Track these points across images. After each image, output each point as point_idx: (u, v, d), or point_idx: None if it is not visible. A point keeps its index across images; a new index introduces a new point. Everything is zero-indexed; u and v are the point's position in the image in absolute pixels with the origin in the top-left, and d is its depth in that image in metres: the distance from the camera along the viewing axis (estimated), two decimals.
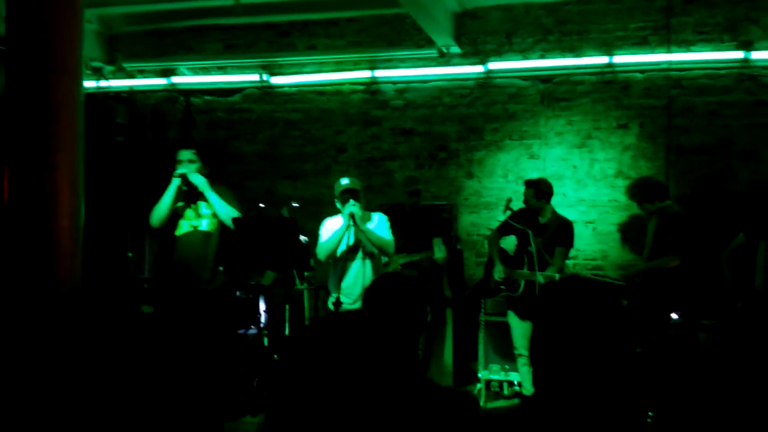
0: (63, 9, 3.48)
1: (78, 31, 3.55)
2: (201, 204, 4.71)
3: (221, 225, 4.67)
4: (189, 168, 4.63)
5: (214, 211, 4.64)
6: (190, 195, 4.69)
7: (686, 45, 5.97)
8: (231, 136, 7.08)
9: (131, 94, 7.01)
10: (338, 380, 1.40)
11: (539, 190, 5.18)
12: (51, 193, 3.19)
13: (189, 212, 4.71)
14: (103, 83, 7.03)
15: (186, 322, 4.56)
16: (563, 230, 5.20)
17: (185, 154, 4.70)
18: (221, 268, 4.81)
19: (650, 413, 3.70)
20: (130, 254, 5.97)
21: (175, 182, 4.58)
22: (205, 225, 4.69)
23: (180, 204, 4.67)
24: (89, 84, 6.77)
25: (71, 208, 3.26)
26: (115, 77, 7.13)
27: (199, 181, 4.57)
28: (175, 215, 4.67)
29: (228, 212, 4.61)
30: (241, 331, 5.42)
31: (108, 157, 6.13)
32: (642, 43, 6.08)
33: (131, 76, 7.17)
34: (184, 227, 4.70)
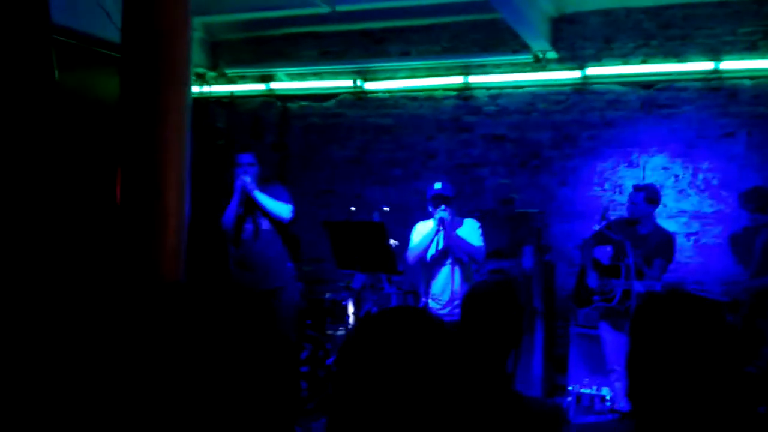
0: (175, 19, 3.66)
1: (187, 40, 3.73)
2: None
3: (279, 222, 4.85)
4: (249, 172, 4.83)
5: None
6: (247, 198, 4.88)
7: None
8: (324, 141, 7.22)
9: (231, 99, 7.29)
10: (424, 386, 1.39)
11: (650, 195, 5.04)
12: (159, 192, 3.37)
13: (251, 214, 4.89)
14: (205, 88, 7.34)
15: (259, 318, 4.73)
16: (664, 242, 5.01)
17: (245, 158, 4.90)
18: (289, 265, 4.98)
19: None
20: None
21: (239, 187, 4.81)
22: (266, 225, 4.87)
23: (243, 208, 4.87)
24: (193, 89, 7.09)
25: (178, 207, 3.43)
26: (216, 83, 7.43)
27: (244, 183, 4.74)
28: (240, 218, 4.88)
29: (276, 209, 4.79)
30: (329, 332, 5.52)
31: (209, 159, 6.40)
32: (751, 49, 5.76)
33: (232, 81, 7.45)
34: (248, 230, 4.91)
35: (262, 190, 4.90)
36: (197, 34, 7.13)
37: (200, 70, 7.32)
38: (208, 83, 7.39)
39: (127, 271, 3.26)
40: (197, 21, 6.85)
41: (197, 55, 7.19)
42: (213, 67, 7.45)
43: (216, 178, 6.36)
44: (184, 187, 3.52)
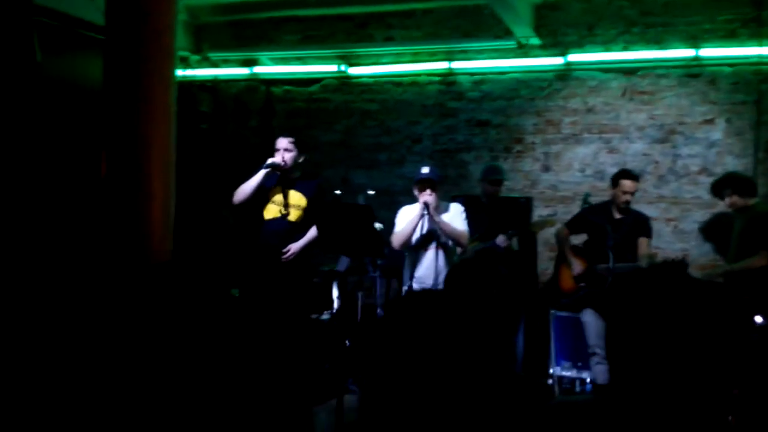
0: (159, 1, 3.65)
1: (172, 21, 3.72)
2: (291, 193, 4.81)
3: (305, 218, 4.77)
4: (285, 156, 4.72)
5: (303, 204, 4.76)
6: (283, 182, 4.81)
7: None
8: (309, 125, 7.21)
9: (215, 83, 7.24)
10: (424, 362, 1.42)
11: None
12: (145, 171, 3.37)
13: (278, 199, 4.82)
14: (188, 72, 7.29)
15: (267, 307, 4.70)
16: (641, 222, 5.15)
17: (282, 142, 4.79)
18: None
19: (729, 417, 3.59)
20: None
21: (264, 168, 4.68)
22: (291, 215, 4.80)
23: (272, 189, 4.78)
24: (176, 73, 7.02)
25: (164, 189, 3.43)
26: (200, 66, 7.37)
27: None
28: (263, 199, 4.80)
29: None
30: (314, 316, 5.54)
31: (192, 143, 6.36)
32: (731, 36, 5.84)
33: (215, 65, 7.40)
34: (271, 212, 4.83)
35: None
36: (181, 17, 7.05)
37: (183, 53, 7.26)
38: (192, 67, 7.34)
39: (116, 253, 3.26)
40: (181, 4, 6.78)
41: (180, 39, 7.11)
42: (196, 50, 7.39)
43: (201, 162, 6.34)
44: (170, 169, 3.52)
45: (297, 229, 4.78)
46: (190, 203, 5.25)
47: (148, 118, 3.43)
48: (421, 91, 6.84)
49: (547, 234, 6.22)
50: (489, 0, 5.73)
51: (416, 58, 6.81)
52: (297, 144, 4.80)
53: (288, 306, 4.67)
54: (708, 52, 5.88)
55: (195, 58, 7.35)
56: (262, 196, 4.79)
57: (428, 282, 4.73)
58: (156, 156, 3.40)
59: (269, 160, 4.70)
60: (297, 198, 4.82)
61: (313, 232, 4.80)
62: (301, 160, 4.83)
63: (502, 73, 6.55)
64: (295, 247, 4.75)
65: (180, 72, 7.17)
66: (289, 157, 4.75)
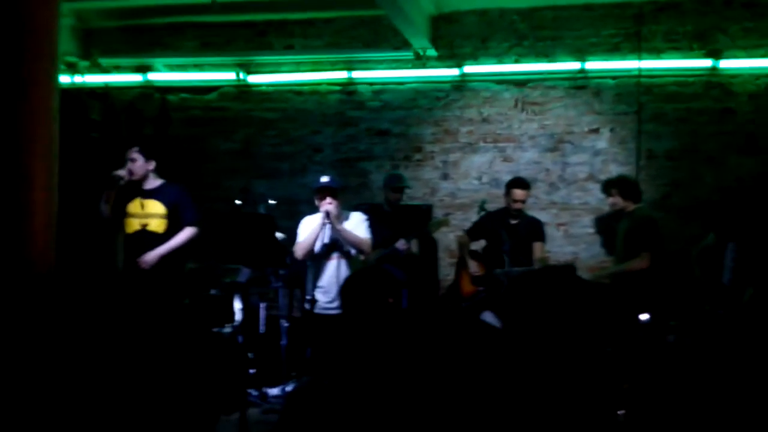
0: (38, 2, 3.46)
1: (54, 21, 3.53)
2: (149, 203, 4.74)
3: (170, 225, 4.71)
4: (130, 167, 4.68)
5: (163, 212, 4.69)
6: (138, 193, 4.71)
7: (656, 52, 6.12)
8: (207, 134, 7.06)
9: (106, 90, 6.95)
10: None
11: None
12: (25, 180, 3.18)
13: (135, 211, 4.73)
14: (77, 79, 6.96)
15: (151, 320, 4.58)
16: (535, 227, 5.40)
17: (128, 153, 4.72)
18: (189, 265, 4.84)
19: (620, 412, 3.79)
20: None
21: (116, 178, 4.61)
22: (152, 225, 4.70)
23: (128, 202, 4.70)
24: (63, 79, 6.70)
25: (46, 196, 3.25)
26: (89, 73, 7.05)
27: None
28: (123, 213, 4.70)
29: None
30: (216, 330, 5.41)
31: (82, 152, 6.08)
32: (614, 50, 6.21)
33: (106, 72, 7.10)
34: (132, 225, 4.71)
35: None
36: (67, 21, 6.75)
37: (71, 59, 6.93)
38: (81, 73, 7.01)
39: None
40: (67, 7, 6.48)
41: (67, 43, 6.81)
42: (85, 56, 7.07)
43: (91, 172, 6.06)
44: (52, 178, 3.34)
45: (161, 239, 4.71)
46: (79, 213, 5.01)
47: (28, 125, 3.23)
48: (322, 100, 6.85)
49: (448, 240, 6.37)
50: (387, 11, 5.82)
51: (316, 67, 6.82)
52: (142, 152, 4.75)
53: (163, 317, 4.59)
54: (593, 65, 6.22)
55: (84, 64, 7.02)
56: (121, 210, 4.71)
57: (332, 291, 4.74)
58: (37, 164, 3.22)
59: (118, 172, 4.65)
60: (156, 207, 4.76)
61: (177, 239, 4.74)
62: (150, 168, 4.78)
63: (401, 83, 6.66)
64: (150, 255, 4.65)
65: (69, 78, 6.85)
66: (135, 167, 4.70)
